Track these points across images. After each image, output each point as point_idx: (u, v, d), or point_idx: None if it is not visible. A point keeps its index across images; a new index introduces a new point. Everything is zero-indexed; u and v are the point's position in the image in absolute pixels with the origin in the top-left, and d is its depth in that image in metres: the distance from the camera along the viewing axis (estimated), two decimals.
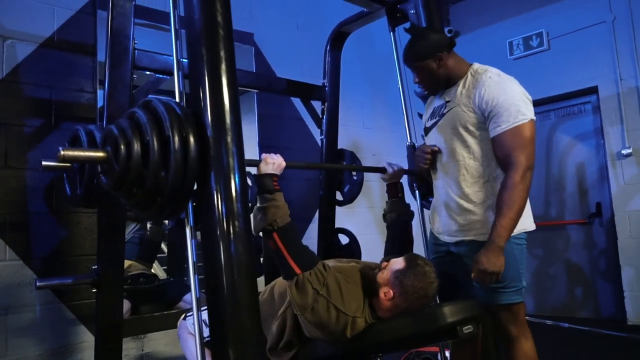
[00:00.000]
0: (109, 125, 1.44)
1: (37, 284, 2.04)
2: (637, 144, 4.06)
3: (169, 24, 1.75)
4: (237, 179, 1.38)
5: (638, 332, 3.79)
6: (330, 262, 1.95)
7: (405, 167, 2.50)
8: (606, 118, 4.25)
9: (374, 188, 4.49)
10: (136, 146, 1.33)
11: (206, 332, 1.57)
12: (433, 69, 1.98)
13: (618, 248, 4.14)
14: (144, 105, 1.41)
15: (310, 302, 1.70)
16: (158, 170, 1.30)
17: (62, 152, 1.33)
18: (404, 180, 2.49)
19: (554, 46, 4.54)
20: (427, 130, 2.15)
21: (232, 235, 1.34)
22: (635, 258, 4.05)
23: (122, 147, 1.34)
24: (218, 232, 1.33)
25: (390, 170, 2.37)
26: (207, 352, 1.42)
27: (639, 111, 4.05)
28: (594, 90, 4.34)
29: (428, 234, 2.35)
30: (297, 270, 1.72)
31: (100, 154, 1.41)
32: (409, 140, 2.61)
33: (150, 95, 1.54)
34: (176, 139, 1.28)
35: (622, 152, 4.10)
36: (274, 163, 1.85)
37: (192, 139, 1.31)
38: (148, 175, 1.31)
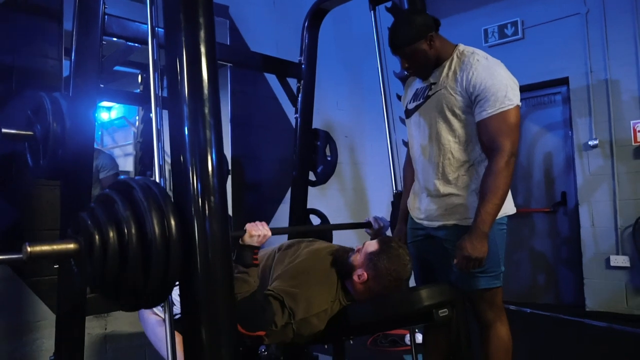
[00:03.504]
0: (81, 212, 1.26)
1: None
2: (604, 135, 4.15)
3: None
4: (213, 153, 1.32)
5: (595, 317, 3.93)
6: (302, 245, 1.93)
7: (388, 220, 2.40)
8: (575, 109, 4.32)
9: (346, 172, 4.47)
10: (112, 242, 1.17)
11: (174, 310, 1.51)
12: (425, 51, 1.90)
13: (580, 237, 4.26)
14: (122, 191, 1.26)
15: (291, 335, 1.72)
16: (137, 271, 1.17)
17: (28, 249, 1.16)
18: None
19: (528, 35, 4.58)
20: (408, 113, 2.10)
21: (207, 211, 1.28)
22: (596, 247, 4.18)
23: (97, 241, 1.18)
24: (192, 208, 1.28)
25: (375, 225, 2.28)
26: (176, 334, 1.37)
27: (607, 103, 4.14)
28: (564, 81, 4.40)
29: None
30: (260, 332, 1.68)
31: (71, 246, 1.23)
32: (394, 188, 2.53)
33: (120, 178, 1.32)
34: (158, 240, 1.15)
35: (589, 143, 4.19)
36: (259, 236, 1.77)
37: (174, 234, 1.18)
38: (126, 275, 1.18)
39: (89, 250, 1.21)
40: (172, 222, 1.19)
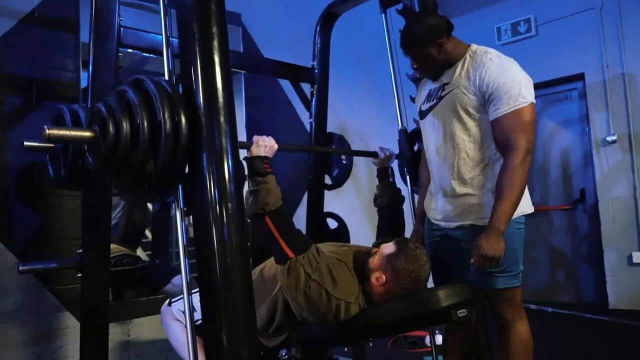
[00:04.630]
0: (97, 103, 1.38)
1: (20, 268, 1.98)
2: (622, 130, 4.10)
3: (157, 3, 1.69)
4: (229, 160, 1.35)
5: (619, 315, 3.87)
6: (325, 247, 1.93)
7: (396, 152, 2.47)
8: (592, 105, 4.28)
9: (361, 173, 4.47)
10: (125, 128, 1.28)
11: (195, 316, 1.53)
12: (434, 56, 1.91)
13: (601, 233, 4.20)
14: (135, 83, 1.35)
15: (302, 287, 1.67)
16: (147, 154, 1.26)
17: (47, 131, 1.28)
18: (395, 165, 2.46)
19: (541, 32, 4.55)
20: (422, 114, 2.10)
21: (225, 218, 1.31)
22: (618, 243, 4.12)
23: (111, 127, 1.29)
24: (210, 215, 1.30)
25: (381, 154, 2.35)
26: (197, 339, 1.39)
27: (625, 98, 4.09)
28: (580, 77, 4.36)
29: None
30: (290, 254, 1.69)
31: (87, 134, 1.35)
32: (400, 125, 2.59)
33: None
34: (167, 123, 1.23)
35: (607, 138, 4.14)
36: (266, 145, 1.81)
37: (183, 122, 1.26)
38: (136, 158, 1.27)
39: (103, 136, 1.30)
40: (180, 110, 1.26)
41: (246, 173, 1.79)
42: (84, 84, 2.63)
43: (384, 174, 2.36)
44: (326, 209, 3.06)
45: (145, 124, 1.25)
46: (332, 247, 1.96)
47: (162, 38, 1.62)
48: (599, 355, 3.14)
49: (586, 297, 4.41)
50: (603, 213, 4.19)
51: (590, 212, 4.37)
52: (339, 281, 1.71)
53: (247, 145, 1.82)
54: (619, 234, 4.11)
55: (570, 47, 4.36)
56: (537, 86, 4.43)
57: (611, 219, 4.15)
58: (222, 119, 1.36)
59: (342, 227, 2.97)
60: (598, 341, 3.43)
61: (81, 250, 1.98)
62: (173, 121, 1.24)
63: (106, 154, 1.31)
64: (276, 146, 1.85)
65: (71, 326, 2.55)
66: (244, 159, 1.75)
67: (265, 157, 1.81)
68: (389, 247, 1.81)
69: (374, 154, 2.40)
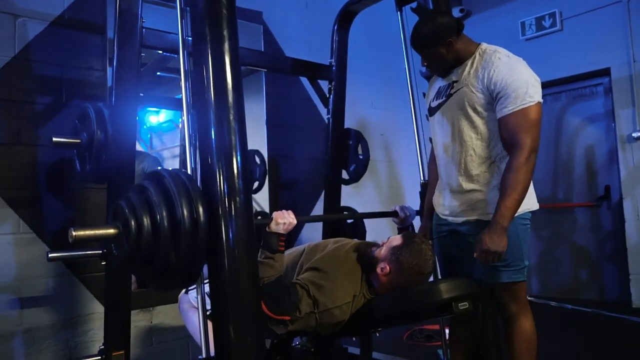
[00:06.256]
0: (119, 200, 1.42)
1: (49, 255, 2.11)
2: None
3: (175, 2, 1.78)
4: (238, 157, 1.42)
5: None
6: (330, 243, 2.00)
7: (416, 207, 2.43)
8: (618, 100, 4.20)
9: (381, 168, 4.52)
10: (147, 225, 1.32)
11: (208, 304, 1.63)
12: (442, 55, 1.96)
13: (625, 231, 4.14)
14: (154, 178, 1.40)
15: (315, 324, 1.80)
16: (169, 249, 1.31)
17: (73, 233, 1.33)
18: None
19: (567, 27, 4.48)
20: (432, 111, 2.15)
21: (233, 212, 1.38)
22: None
23: (133, 225, 1.33)
24: (220, 210, 1.38)
25: (401, 214, 2.32)
26: (209, 325, 1.48)
27: None
28: (606, 72, 4.28)
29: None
30: (285, 317, 1.76)
31: (111, 231, 1.39)
32: (421, 178, 2.54)
33: (158, 170, 1.48)
34: (187, 220, 1.28)
35: (633, 135, 4.06)
36: (285, 223, 1.85)
37: (202, 218, 1.30)
38: (158, 253, 1.32)
39: (126, 233, 1.36)
40: (200, 207, 1.31)
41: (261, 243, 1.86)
42: (110, 82, 2.76)
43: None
44: (345, 204, 3.12)
45: (166, 223, 1.30)
46: (336, 244, 2.03)
47: (179, 39, 1.72)
48: (620, 354, 3.11)
49: (609, 296, 4.36)
50: (627, 210, 4.12)
51: (615, 209, 4.30)
52: (339, 289, 1.81)
53: (266, 223, 1.87)
54: None
55: (595, 42, 4.28)
56: (562, 82, 4.49)
57: (636, 217, 4.08)
58: (231, 117, 1.44)
59: (359, 222, 3.03)
60: (619, 340, 3.39)
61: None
62: (192, 218, 1.29)
63: (129, 250, 1.36)
64: (295, 222, 1.88)
65: (97, 312, 2.70)
66: (263, 230, 1.85)
67: (282, 235, 1.86)
68: (396, 240, 1.88)
69: (394, 214, 2.35)
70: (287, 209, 1.90)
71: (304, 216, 2.18)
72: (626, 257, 4.13)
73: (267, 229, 1.85)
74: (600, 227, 4.44)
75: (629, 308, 4.03)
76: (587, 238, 4.51)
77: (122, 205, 1.39)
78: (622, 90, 4.17)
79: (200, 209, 1.31)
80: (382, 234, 2.28)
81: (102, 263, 2.11)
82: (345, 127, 3.08)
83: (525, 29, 4.67)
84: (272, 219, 1.86)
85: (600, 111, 4.43)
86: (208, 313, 1.51)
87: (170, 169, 1.47)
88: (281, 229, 1.85)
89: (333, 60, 3.01)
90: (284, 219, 1.85)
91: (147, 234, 1.32)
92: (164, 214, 1.31)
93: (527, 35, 4.66)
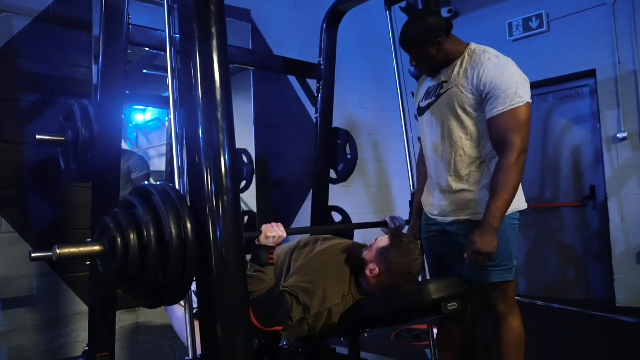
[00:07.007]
0: (105, 217, 1.37)
1: (32, 255, 2.06)
2: (633, 128, 4.07)
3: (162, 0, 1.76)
4: (226, 156, 1.40)
5: (626, 313, 3.86)
6: (319, 241, 1.99)
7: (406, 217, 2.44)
8: (603, 102, 4.25)
9: (369, 167, 4.52)
10: (134, 245, 1.27)
11: (195, 303, 1.61)
12: (432, 55, 1.96)
13: (610, 231, 4.18)
14: (142, 195, 1.36)
15: (307, 329, 1.80)
16: (157, 269, 1.27)
17: (57, 251, 1.30)
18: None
19: (553, 28, 4.52)
20: (421, 111, 2.14)
21: (221, 211, 1.36)
22: (627, 242, 4.10)
23: (119, 244, 1.29)
24: (207, 209, 1.36)
25: (391, 225, 2.32)
26: (196, 323, 1.46)
27: (636, 95, 4.05)
28: (592, 74, 4.33)
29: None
30: (277, 328, 1.76)
31: (96, 248, 1.35)
32: (411, 188, 2.55)
33: (144, 183, 1.42)
34: (175, 241, 1.24)
35: (618, 136, 4.11)
36: (274, 237, 1.84)
37: (191, 238, 1.27)
38: (146, 274, 1.28)
39: (112, 251, 1.31)
40: (188, 224, 1.28)
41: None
42: (96, 79, 2.72)
43: None
44: (334, 204, 3.11)
45: (154, 242, 1.26)
46: (326, 243, 2.02)
47: (167, 36, 1.69)
48: (605, 351, 3.14)
49: (595, 295, 4.40)
50: (612, 210, 4.17)
51: (600, 209, 4.35)
52: (329, 292, 1.81)
53: (256, 236, 1.85)
54: (628, 232, 4.09)
55: (582, 44, 4.32)
56: (548, 82, 4.52)
57: (620, 217, 4.13)
58: (219, 115, 1.42)
59: (347, 222, 3.03)
60: (604, 338, 3.43)
61: (90, 240, 2.06)
62: (181, 239, 1.25)
63: (116, 269, 1.32)
64: (285, 235, 1.87)
65: (82, 312, 2.66)
66: (252, 244, 1.83)
67: (271, 248, 1.84)
68: (383, 241, 1.88)
69: (383, 224, 2.36)
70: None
71: (293, 228, 2.15)
72: (611, 257, 4.18)
73: (256, 242, 1.84)
74: (586, 227, 4.49)
75: (614, 307, 4.08)
76: (573, 238, 4.55)
77: (108, 223, 1.34)
78: (608, 91, 4.21)
79: (189, 227, 1.27)
80: (370, 234, 2.28)
81: (87, 263, 2.08)
82: (334, 126, 3.07)
83: (513, 30, 4.70)
84: (261, 232, 1.84)
85: (586, 112, 4.48)
86: (195, 311, 1.49)
87: (158, 183, 1.42)
88: (271, 242, 1.83)
89: (322, 59, 3.00)
90: (274, 233, 1.83)
91: (134, 254, 1.27)
92: (152, 233, 1.26)
93: (514, 36, 4.69)
